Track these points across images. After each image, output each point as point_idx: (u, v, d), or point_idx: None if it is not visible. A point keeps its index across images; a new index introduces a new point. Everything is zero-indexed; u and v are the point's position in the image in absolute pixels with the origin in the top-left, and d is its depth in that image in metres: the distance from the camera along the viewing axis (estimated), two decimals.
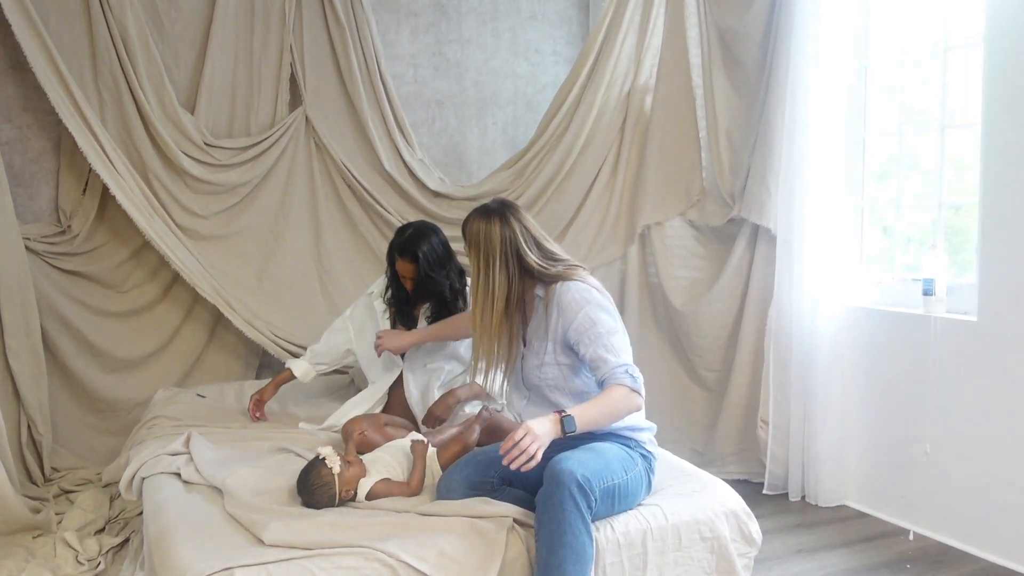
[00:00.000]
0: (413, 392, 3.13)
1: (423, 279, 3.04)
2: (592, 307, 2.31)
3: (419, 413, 3.09)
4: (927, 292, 3.22)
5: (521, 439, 2.07)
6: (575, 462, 2.13)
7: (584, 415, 2.17)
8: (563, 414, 2.14)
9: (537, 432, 2.08)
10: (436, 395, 3.09)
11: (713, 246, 4.05)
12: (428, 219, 4.10)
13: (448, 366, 3.19)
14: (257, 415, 3.22)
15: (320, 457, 2.39)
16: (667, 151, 4.06)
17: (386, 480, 2.45)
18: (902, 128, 3.53)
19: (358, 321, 3.28)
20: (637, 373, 2.26)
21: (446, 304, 3.10)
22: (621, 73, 4.12)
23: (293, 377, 3.27)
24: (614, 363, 2.24)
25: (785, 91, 3.54)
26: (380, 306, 3.24)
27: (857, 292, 3.63)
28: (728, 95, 3.84)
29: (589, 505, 2.12)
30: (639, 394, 2.24)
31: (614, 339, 2.28)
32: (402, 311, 3.19)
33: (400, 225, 3.36)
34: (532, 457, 2.06)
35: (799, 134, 3.50)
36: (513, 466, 2.07)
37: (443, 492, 2.38)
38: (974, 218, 3.32)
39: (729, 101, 3.84)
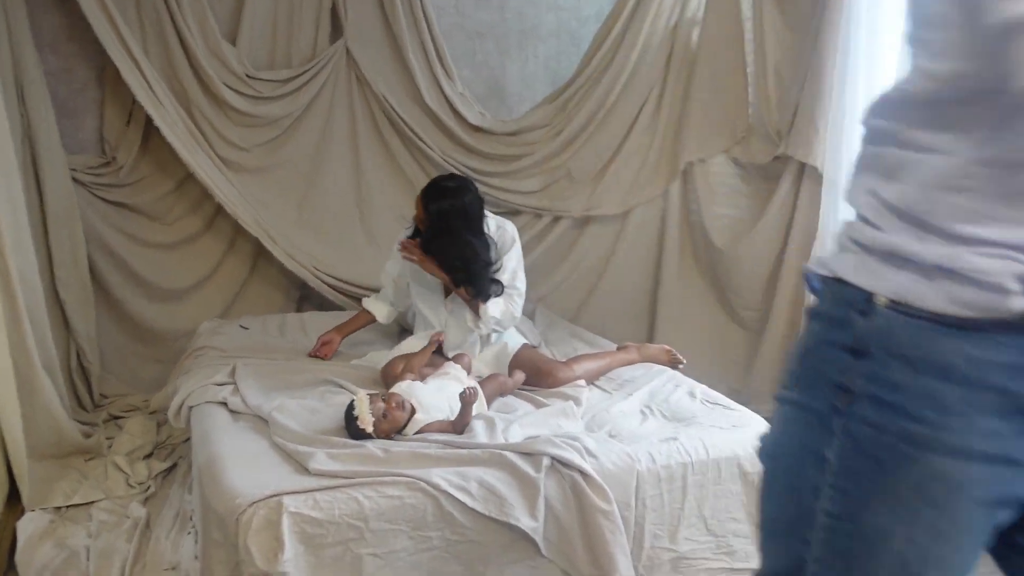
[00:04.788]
0: (452, 342, 3.14)
1: (427, 233, 2.98)
2: None
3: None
4: None
5: None
6: None
7: None
8: None
9: None
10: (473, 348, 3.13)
11: (757, 184, 3.99)
12: (471, 160, 4.08)
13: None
14: (320, 354, 3.22)
15: (354, 414, 2.38)
16: (713, 86, 3.97)
17: (437, 421, 2.48)
18: None
19: (403, 267, 3.25)
20: None
21: (451, 270, 3.01)
22: (668, 5, 4.00)
23: (371, 321, 3.30)
24: None
25: (839, 24, 3.42)
26: None
27: None
28: (779, 28, 3.72)
29: None
30: None
31: None
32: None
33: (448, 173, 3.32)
34: None
35: (851, 70, 3.39)
36: None
37: None
38: None
39: (780, 35, 3.72)
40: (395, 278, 3.28)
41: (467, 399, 2.49)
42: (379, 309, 3.31)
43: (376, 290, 3.97)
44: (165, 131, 3.56)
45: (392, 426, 2.40)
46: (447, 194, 3.01)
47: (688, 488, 2.35)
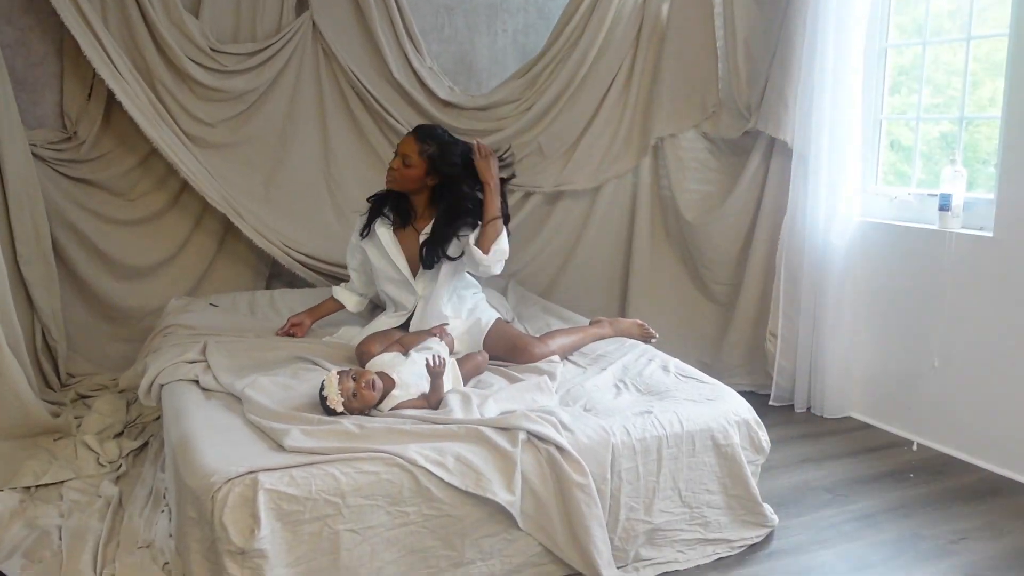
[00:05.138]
0: (425, 324, 3.10)
1: (431, 166, 2.98)
2: None
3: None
4: (943, 207, 3.20)
5: None
6: None
7: None
8: None
9: None
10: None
11: (727, 159, 4.01)
12: None
13: (466, 292, 3.18)
14: (288, 333, 3.18)
15: (323, 393, 2.37)
16: (683, 61, 3.97)
17: (412, 399, 2.47)
18: (924, 38, 3.44)
19: (364, 255, 3.21)
20: None
21: (448, 209, 3.01)
22: None
23: (339, 308, 3.29)
24: None
25: None
26: (386, 234, 3.12)
27: (872, 207, 3.61)
28: (748, 3, 3.73)
29: None
30: None
31: None
32: (398, 209, 3.12)
33: None
34: None
35: (820, 44, 3.42)
36: None
37: None
38: (983, 133, 3.28)
39: (749, 9, 3.73)
40: (357, 268, 3.25)
41: (435, 370, 2.46)
42: (348, 299, 3.30)
43: (346, 267, 3.95)
44: (127, 105, 3.49)
45: (363, 405, 2.39)
46: (440, 130, 3.09)
47: (663, 461, 2.37)
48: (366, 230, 3.15)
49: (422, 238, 3.06)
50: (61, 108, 3.69)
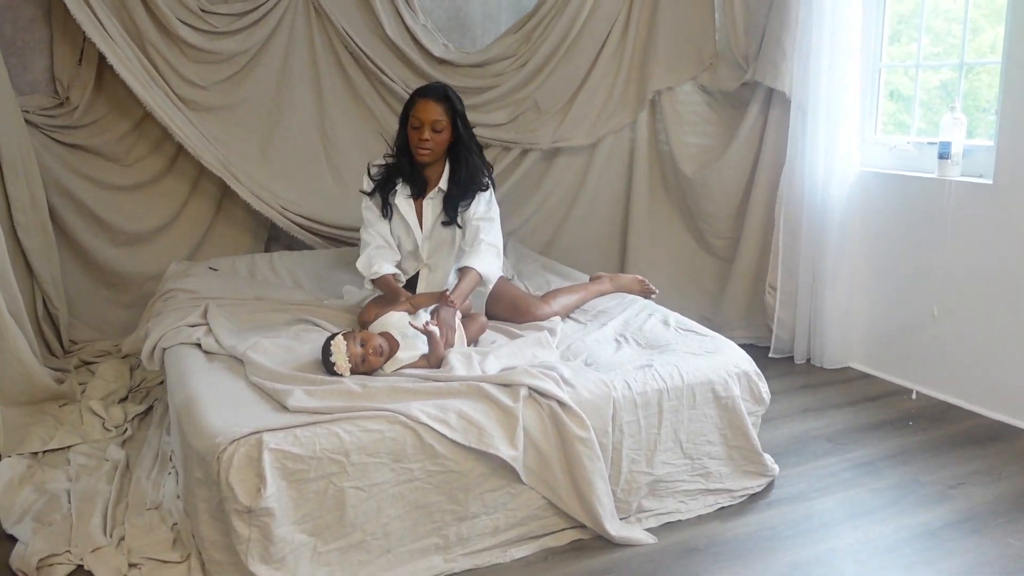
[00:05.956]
0: (433, 287, 3.06)
1: (453, 124, 2.88)
2: None
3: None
4: (943, 155, 3.18)
5: None
6: None
7: None
8: None
9: None
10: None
11: (725, 112, 3.98)
12: None
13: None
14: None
15: (331, 359, 2.36)
16: (679, 12, 3.92)
17: (413, 361, 2.48)
18: None
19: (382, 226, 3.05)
20: None
21: (470, 165, 2.93)
22: None
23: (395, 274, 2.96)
24: None
25: None
26: (406, 205, 3.00)
27: (871, 156, 3.59)
28: None
29: None
30: None
31: None
32: (413, 181, 2.98)
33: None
34: None
35: None
36: None
37: None
38: (983, 81, 3.25)
39: None
40: (390, 238, 3.02)
41: (431, 334, 2.45)
42: (390, 268, 2.95)
43: (345, 229, 3.93)
44: (119, 69, 3.45)
45: (369, 370, 2.40)
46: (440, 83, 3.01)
47: (664, 413, 2.39)
48: (387, 208, 2.99)
49: (427, 204, 3.01)
50: (52, 73, 3.65)
